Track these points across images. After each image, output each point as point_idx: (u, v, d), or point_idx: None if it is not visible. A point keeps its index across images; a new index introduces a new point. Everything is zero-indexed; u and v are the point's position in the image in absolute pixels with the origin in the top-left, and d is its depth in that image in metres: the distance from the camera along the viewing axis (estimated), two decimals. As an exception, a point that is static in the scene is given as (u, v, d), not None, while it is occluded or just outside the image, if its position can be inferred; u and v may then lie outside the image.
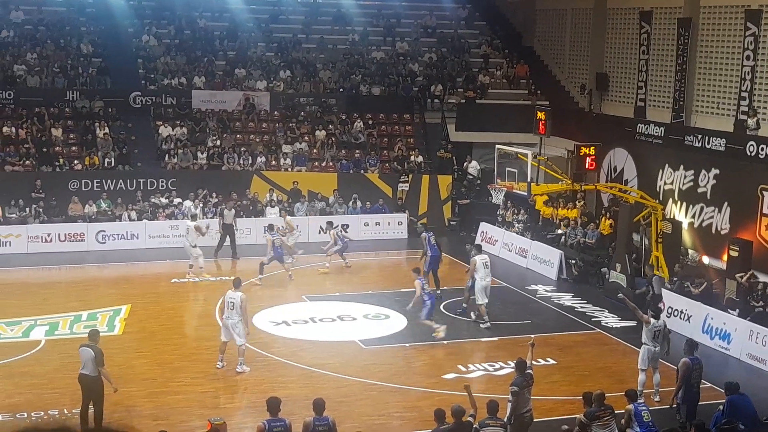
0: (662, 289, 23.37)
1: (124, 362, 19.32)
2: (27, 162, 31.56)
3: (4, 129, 32.40)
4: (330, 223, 28.48)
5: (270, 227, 26.86)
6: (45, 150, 32.12)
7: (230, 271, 27.48)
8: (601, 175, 31.38)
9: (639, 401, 14.93)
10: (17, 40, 36.23)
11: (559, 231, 29.29)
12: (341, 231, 28.63)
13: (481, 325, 22.16)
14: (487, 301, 22.17)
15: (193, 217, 27.98)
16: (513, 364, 15.48)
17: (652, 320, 17.64)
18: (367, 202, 32.58)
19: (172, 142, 33.52)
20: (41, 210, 30.17)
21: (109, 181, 31.63)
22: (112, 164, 32.33)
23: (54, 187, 30.91)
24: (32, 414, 16.42)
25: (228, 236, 28.97)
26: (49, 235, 29.26)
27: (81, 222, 30.03)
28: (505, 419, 14.27)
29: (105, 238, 29.67)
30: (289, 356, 19.74)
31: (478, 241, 31.04)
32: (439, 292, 24.18)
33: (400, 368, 19.34)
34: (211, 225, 29.18)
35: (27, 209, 30.13)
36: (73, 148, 32.94)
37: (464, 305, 22.89)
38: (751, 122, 26.28)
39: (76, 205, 30.57)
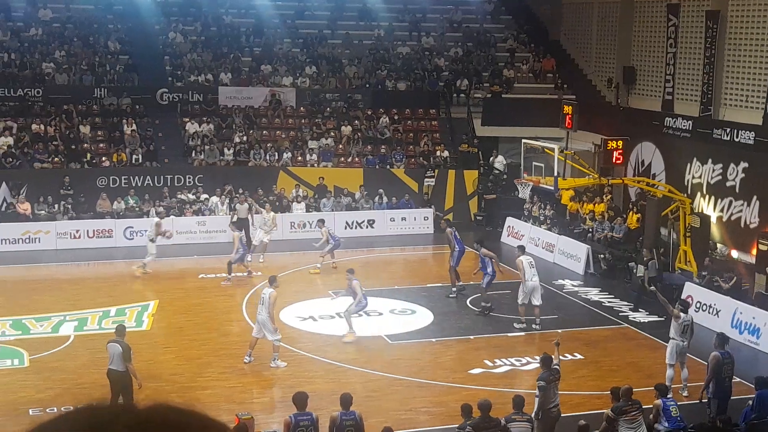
0: (685, 281, 23.28)
1: (152, 357, 19.44)
2: (56, 159, 31.83)
3: (33, 126, 32.69)
4: (321, 221, 27.94)
5: (236, 224, 26.44)
6: (73, 147, 32.38)
7: (250, 266, 27.48)
8: (628, 169, 31.20)
9: (668, 396, 14.83)
10: (45, 38, 36.53)
11: (585, 225, 29.15)
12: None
13: (515, 325, 21.67)
14: (537, 303, 21.41)
15: (159, 214, 27.74)
16: (539, 359, 15.41)
17: (681, 314, 17.53)
18: (393, 198, 32.58)
19: (199, 139, 33.68)
20: (70, 206, 30.42)
21: (136, 177, 31.84)
22: (140, 161, 32.54)
23: (82, 184, 31.16)
24: (62, 408, 16.54)
25: (243, 230, 28.88)
26: (77, 231, 29.48)
27: (109, 218, 30.25)
28: (533, 414, 14.23)
29: (133, 234, 29.84)
30: (316, 351, 19.79)
31: (504, 236, 31.03)
32: (460, 283, 24.31)
33: (426, 363, 19.33)
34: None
35: (56, 206, 30.39)
36: (101, 145, 33.18)
37: (483, 304, 22.66)
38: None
39: (104, 202, 30.79)
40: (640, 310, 23.16)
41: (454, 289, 24.13)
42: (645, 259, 23.69)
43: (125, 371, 15.55)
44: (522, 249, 22.65)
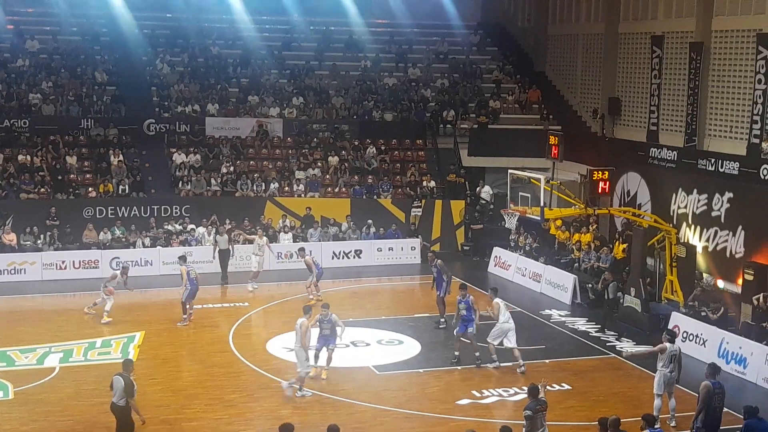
0: (671, 311, 23.36)
1: (138, 389, 19.19)
2: (42, 189, 31.76)
3: (20, 157, 32.64)
4: (302, 249, 27.93)
5: (183, 258, 25.38)
6: (60, 177, 32.32)
7: (222, 297, 27.37)
8: (614, 199, 31.36)
9: (656, 426, 14.81)
10: (32, 69, 36.57)
11: (573, 255, 29.23)
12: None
13: (490, 366, 21.12)
14: (513, 345, 20.81)
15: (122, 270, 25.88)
16: (526, 390, 15.37)
17: (668, 345, 17.54)
18: (381, 228, 32.61)
19: (186, 169, 33.68)
20: (56, 237, 30.31)
21: (123, 208, 31.80)
22: (126, 191, 32.48)
23: (68, 215, 31.08)
24: (46, 441, 16.43)
25: (221, 261, 29.08)
26: (63, 262, 29.37)
27: (95, 249, 30.14)
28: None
29: (119, 264, 29.65)
30: (305, 382, 19.68)
31: (491, 266, 31.06)
32: (443, 319, 24.07)
33: (413, 394, 19.27)
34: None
35: (42, 236, 30.28)
36: (88, 176, 33.13)
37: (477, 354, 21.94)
38: (765, 146, 26.23)
39: (90, 232, 30.71)
40: (624, 339, 23.24)
41: (442, 320, 24.05)
42: (607, 281, 24.83)
43: (125, 406, 15.39)
44: (495, 291, 22.00)
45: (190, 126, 35.47)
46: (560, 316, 26.00)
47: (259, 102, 37.15)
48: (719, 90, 29.52)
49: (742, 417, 15.33)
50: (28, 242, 30.05)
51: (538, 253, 30.36)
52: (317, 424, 16.20)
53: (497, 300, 21.24)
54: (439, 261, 24.64)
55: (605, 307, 24.85)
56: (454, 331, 21.32)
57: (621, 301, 25.54)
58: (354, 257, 31.79)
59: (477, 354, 21.10)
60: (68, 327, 23.92)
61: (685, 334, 22.40)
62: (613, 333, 23.95)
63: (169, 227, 31.49)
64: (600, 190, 29.68)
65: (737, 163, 26.16)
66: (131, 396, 15.38)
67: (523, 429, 14.56)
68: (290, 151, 35.79)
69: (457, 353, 21.32)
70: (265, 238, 28.97)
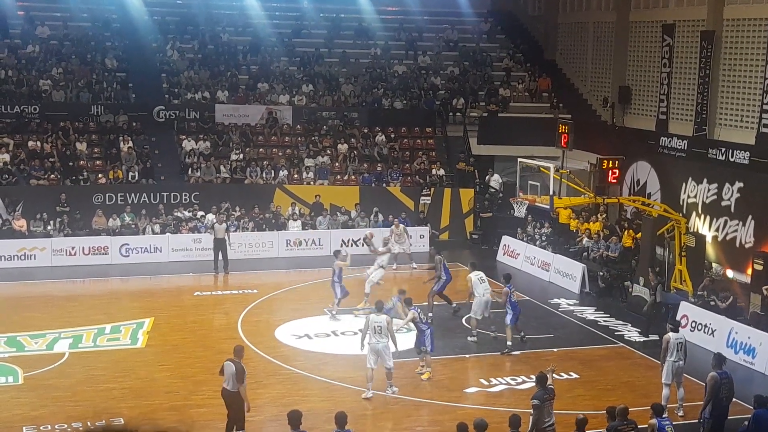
0: (680, 301, 23.27)
1: (147, 375, 19.41)
2: (52, 176, 31.85)
3: (30, 143, 32.72)
4: (439, 255, 25.19)
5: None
6: (70, 164, 32.41)
7: (231, 284, 27.40)
8: (624, 188, 31.29)
9: (664, 416, 14.81)
10: (43, 55, 36.62)
11: (585, 241, 29.09)
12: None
13: (469, 338, 22.10)
14: (482, 317, 21.91)
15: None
16: (534, 378, 15.38)
17: (671, 334, 17.52)
18: (390, 216, 32.57)
19: (195, 156, 33.71)
20: (66, 223, 30.40)
21: (132, 194, 31.86)
22: (136, 178, 32.55)
23: (78, 201, 31.15)
24: (56, 426, 16.51)
25: (220, 251, 28.67)
26: (73, 248, 29.46)
27: (105, 235, 30.23)
28: (528, 432, 14.26)
29: (128, 251, 29.84)
30: (311, 370, 19.75)
31: (500, 254, 31.04)
32: (455, 305, 24.32)
33: (422, 382, 19.29)
34: (237, 239, 29.58)
35: (51, 223, 30.36)
36: (98, 162, 33.21)
37: (509, 343, 21.87)
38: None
39: (100, 219, 30.78)
40: (650, 336, 22.60)
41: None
42: (653, 283, 23.18)
43: (236, 391, 15.41)
44: (474, 265, 22.67)
45: (199, 113, 35.48)
46: (569, 305, 25.98)
47: (268, 89, 37.13)
48: (730, 79, 29.39)
49: (751, 407, 15.33)
50: (38, 228, 30.14)
51: (553, 243, 30.19)
52: (326, 411, 16.24)
53: (470, 275, 22.27)
54: (437, 257, 24.70)
55: (649, 309, 22.92)
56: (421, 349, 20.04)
57: (630, 290, 25.51)
58: (363, 245, 31.75)
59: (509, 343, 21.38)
60: (78, 313, 24.02)
61: (693, 324, 22.36)
62: (655, 336, 22.30)
63: (179, 214, 31.55)
64: (609, 179, 29.60)
65: (747, 152, 26.06)
66: (241, 382, 15.34)
67: (531, 417, 14.59)
68: (299, 139, 35.79)
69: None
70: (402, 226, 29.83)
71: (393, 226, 30.20)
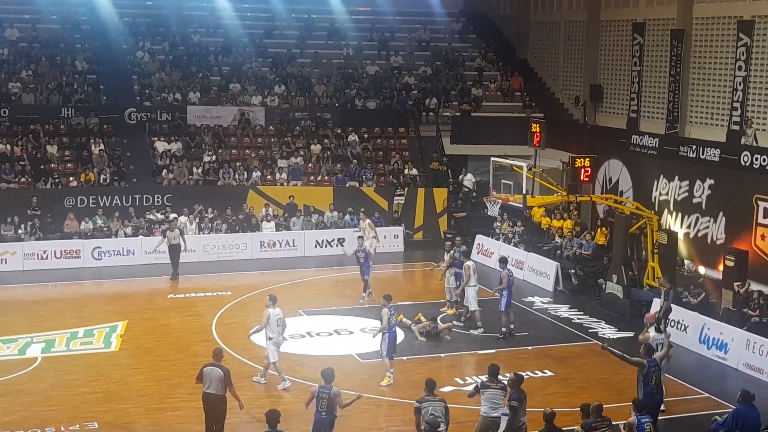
0: (653, 297, 23.46)
1: (121, 379, 19.29)
2: (22, 179, 31.56)
3: (0, 146, 32.40)
4: (504, 260, 23.57)
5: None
6: (41, 167, 32.12)
7: (205, 286, 27.27)
8: (596, 186, 31.45)
9: (643, 413, 14.81)
10: (12, 57, 36.28)
11: (556, 240, 29.23)
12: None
13: (472, 331, 22.70)
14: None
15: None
16: (509, 379, 15.34)
17: (653, 333, 17.70)
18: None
19: (168, 158, 33.53)
20: (37, 227, 30.14)
21: (104, 197, 31.64)
22: (108, 181, 32.32)
23: (50, 204, 30.90)
24: (29, 431, 16.36)
25: (172, 257, 28.05)
26: (44, 252, 29.21)
27: (77, 238, 29.99)
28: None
29: (101, 254, 29.64)
30: (286, 371, 19.66)
31: (474, 253, 31.07)
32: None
33: (397, 381, 19.29)
34: (210, 241, 29.39)
35: (23, 226, 30.09)
36: (69, 165, 32.94)
37: (505, 329, 22.36)
38: (749, 132, 26.33)
39: (71, 222, 30.55)
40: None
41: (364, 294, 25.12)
42: (663, 288, 21.67)
43: (222, 395, 15.36)
44: (467, 254, 23.26)
45: (171, 114, 35.27)
46: (543, 303, 26.10)
47: (240, 90, 37.00)
48: (700, 77, 29.65)
49: (724, 402, 15.34)
50: (9, 232, 29.87)
51: (526, 241, 30.30)
52: (301, 411, 16.17)
53: (468, 263, 22.90)
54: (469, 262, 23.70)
55: (661, 319, 21.17)
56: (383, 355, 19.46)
57: (603, 287, 25.66)
58: (337, 245, 31.74)
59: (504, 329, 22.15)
60: (50, 317, 23.82)
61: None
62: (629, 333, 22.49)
63: (151, 216, 31.37)
64: (582, 178, 29.80)
65: (718, 149, 26.28)
66: (230, 384, 15.36)
67: (503, 417, 14.69)
68: (272, 140, 35.69)
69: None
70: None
71: (360, 221, 30.14)
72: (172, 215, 31.11)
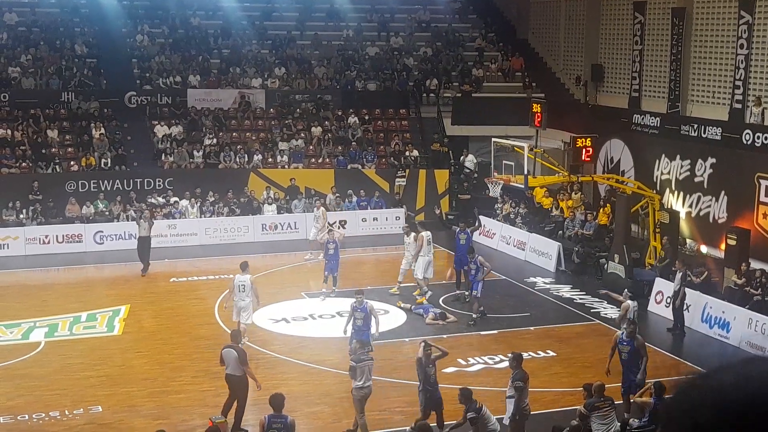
0: (655, 277, 23.54)
1: (124, 362, 19.34)
2: (23, 164, 31.54)
3: (0, 131, 32.37)
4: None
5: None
6: (41, 151, 32.10)
7: (207, 270, 27.30)
8: (597, 166, 31.41)
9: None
10: (11, 42, 36.19)
11: (563, 216, 29.13)
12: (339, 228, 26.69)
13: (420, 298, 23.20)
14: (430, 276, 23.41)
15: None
16: (509, 357, 15.32)
17: (630, 302, 18.00)
18: (361, 191, 32.51)
19: (168, 142, 33.49)
20: (38, 212, 30.14)
21: (105, 181, 31.60)
22: (109, 165, 32.30)
23: (51, 189, 30.86)
24: (33, 416, 16.42)
25: (141, 250, 26.65)
26: (46, 236, 29.23)
27: (78, 223, 30.00)
28: (509, 416, 14.32)
29: (103, 238, 29.65)
30: (289, 353, 19.74)
31: (476, 234, 31.04)
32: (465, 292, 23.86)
33: (400, 363, 19.32)
34: (212, 225, 29.40)
35: (24, 211, 30.09)
36: (70, 149, 32.91)
37: (475, 315, 22.22)
38: (756, 111, 26.20)
39: (73, 206, 30.54)
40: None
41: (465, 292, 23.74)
42: (679, 273, 21.66)
43: (242, 375, 15.61)
44: (422, 225, 23.81)
45: (171, 98, 35.20)
46: (545, 283, 26.10)
47: (240, 73, 36.91)
48: (701, 56, 29.53)
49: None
50: (11, 217, 29.87)
51: (529, 222, 30.21)
52: (305, 394, 16.26)
53: (422, 233, 23.52)
54: (480, 257, 22.98)
55: (675, 308, 21.56)
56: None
57: (605, 267, 25.66)
58: (339, 228, 31.64)
59: (475, 315, 21.97)
60: (53, 301, 23.86)
61: (669, 300, 22.51)
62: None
63: (152, 200, 31.35)
64: (583, 157, 29.71)
65: (720, 128, 26.23)
66: (245, 364, 15.59)
67: (508, 400, 14.64)
68: (273, 122, 35.63)
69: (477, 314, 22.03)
70: (322, 209, 28.97)
71: (315, 209, 29.20)
72: (173, 198, 31.15)
